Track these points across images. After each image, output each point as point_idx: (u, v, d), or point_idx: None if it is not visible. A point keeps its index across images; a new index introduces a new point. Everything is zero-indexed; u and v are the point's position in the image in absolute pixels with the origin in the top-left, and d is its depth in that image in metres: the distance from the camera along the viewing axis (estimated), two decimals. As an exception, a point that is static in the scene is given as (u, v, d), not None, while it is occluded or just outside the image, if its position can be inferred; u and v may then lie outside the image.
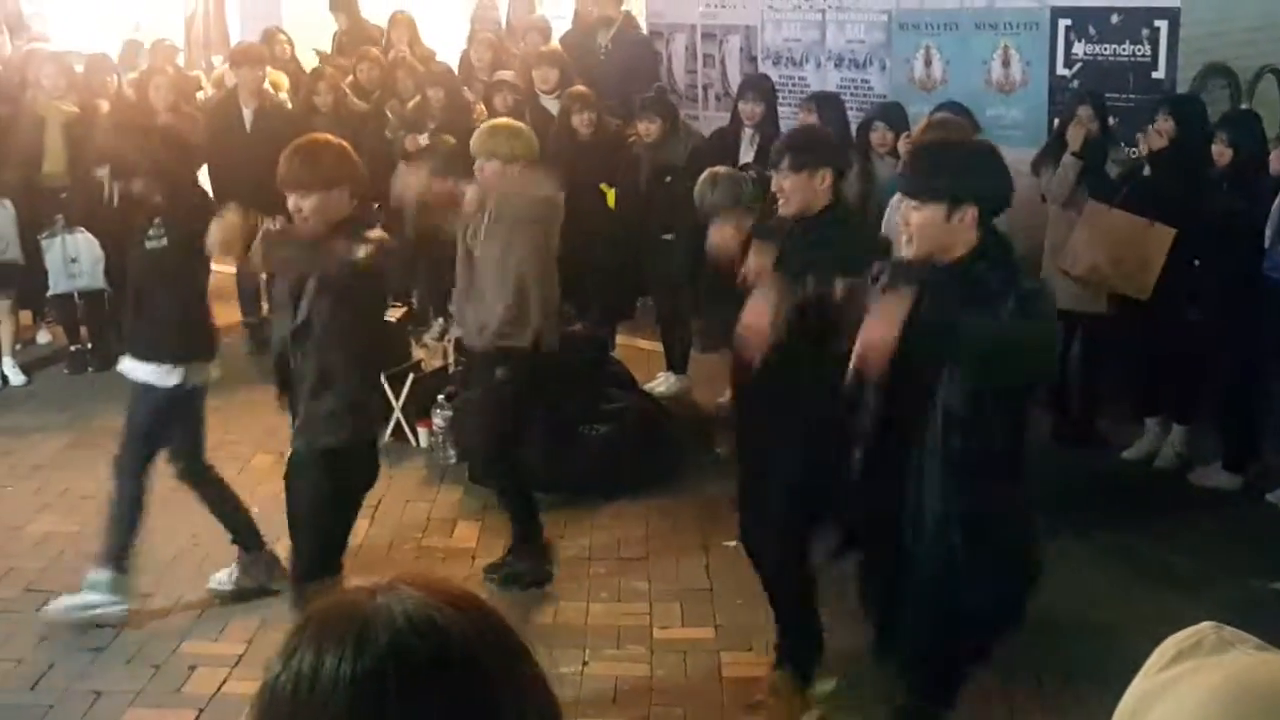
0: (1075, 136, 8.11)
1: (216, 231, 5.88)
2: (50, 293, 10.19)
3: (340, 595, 1.55)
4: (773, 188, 5.55)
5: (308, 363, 5.46)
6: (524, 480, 6.97)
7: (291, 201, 5.41)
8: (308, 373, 5.46)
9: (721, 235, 5.71)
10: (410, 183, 6.36)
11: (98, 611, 6.47)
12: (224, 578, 6.81)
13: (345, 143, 5.72)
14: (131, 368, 6.60)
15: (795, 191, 5.39)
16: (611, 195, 9.59)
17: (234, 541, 6.82)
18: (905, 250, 4.43)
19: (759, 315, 4.83)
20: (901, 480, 4.48)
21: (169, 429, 6.62)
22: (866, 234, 5.95)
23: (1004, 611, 4.66)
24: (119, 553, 6.56)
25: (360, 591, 1.53)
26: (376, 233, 5.51)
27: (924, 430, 4.37)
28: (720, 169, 8.03)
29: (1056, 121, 8.77)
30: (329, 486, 5.58)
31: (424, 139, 10.07)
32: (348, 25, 12.46)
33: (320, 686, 1.44)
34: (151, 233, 6.33)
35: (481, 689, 1.47)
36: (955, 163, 4.58)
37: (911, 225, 4.36)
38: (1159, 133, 7.84)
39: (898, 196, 4.75)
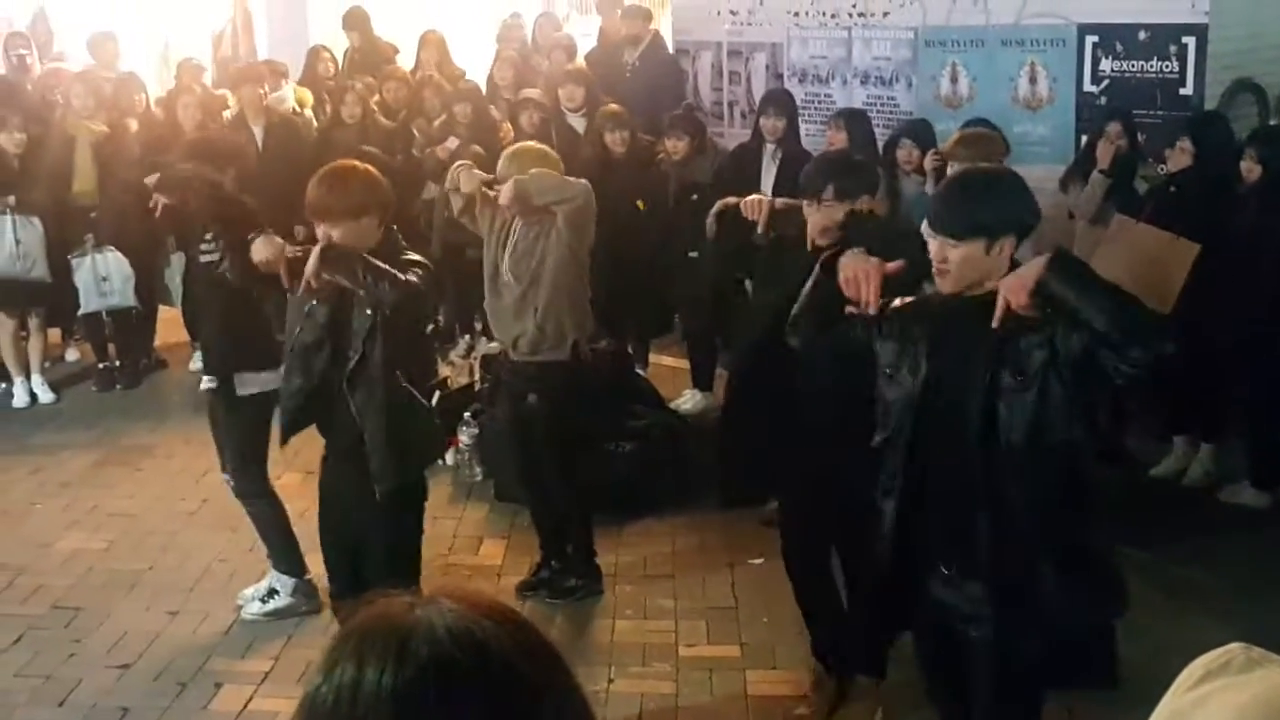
0: (1105, 154, 8.10)
1: (261, 250, 5.83)
2: (81, 311, 10.25)
3: (381, 608, 1.56)
4: (812, 219, 5.44)
5: (366, 397, 5.43)
6: (583, 497, 6.97)
7: (320, 231, 5.37)
8: (369, 410, 5.43)
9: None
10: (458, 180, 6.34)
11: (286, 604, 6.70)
12: (250, 594, 6.83)
13: (372, 167, 5.69)
14: (205, 381, 6.62)
15: (835, 222, 5.34)
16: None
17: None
18: (941, 282, 4.21)
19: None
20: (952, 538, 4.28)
21: (257, 435, 6.63)
22: (904, 232, 5.83)
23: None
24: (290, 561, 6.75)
25: (400, 605, 1.55)
26: (414, 256, 5.49)
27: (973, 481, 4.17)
28: None
29: (1084, 139, 8.74)
30: (414, 517, 5.68)
31: (446, 148, 10.08)
32: (360, 43, 12.47)
33: (362, 698, 1.46)
34: (205, 246, 6.33)
35: (520, 700, 1.48)
36: (990, 194, 4.42)
37: (950, 262, 4.17)
38: (1181, 151, 7.82)
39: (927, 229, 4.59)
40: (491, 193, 6.36)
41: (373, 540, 5.74)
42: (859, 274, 4.29)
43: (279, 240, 5.79)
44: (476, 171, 6.41)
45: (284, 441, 5.89)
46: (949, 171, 7.09)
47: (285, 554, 6.75)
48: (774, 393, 5.61)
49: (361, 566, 5.82)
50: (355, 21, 12.55)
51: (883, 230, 5.51)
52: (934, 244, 4.21)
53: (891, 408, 4.31)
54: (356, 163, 5.75)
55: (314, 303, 5.48)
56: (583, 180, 6.63)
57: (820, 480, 5.38)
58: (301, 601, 6.72)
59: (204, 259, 6.35)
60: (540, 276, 6.43)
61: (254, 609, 6.73)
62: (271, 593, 6.74)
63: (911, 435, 4.25)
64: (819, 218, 5.40)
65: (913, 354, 4.26)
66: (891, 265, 4.31)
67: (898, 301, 4.38)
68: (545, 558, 6.96)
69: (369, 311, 5.33)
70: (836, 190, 5.35)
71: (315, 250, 5.30)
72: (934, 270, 4.23)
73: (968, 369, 4.13)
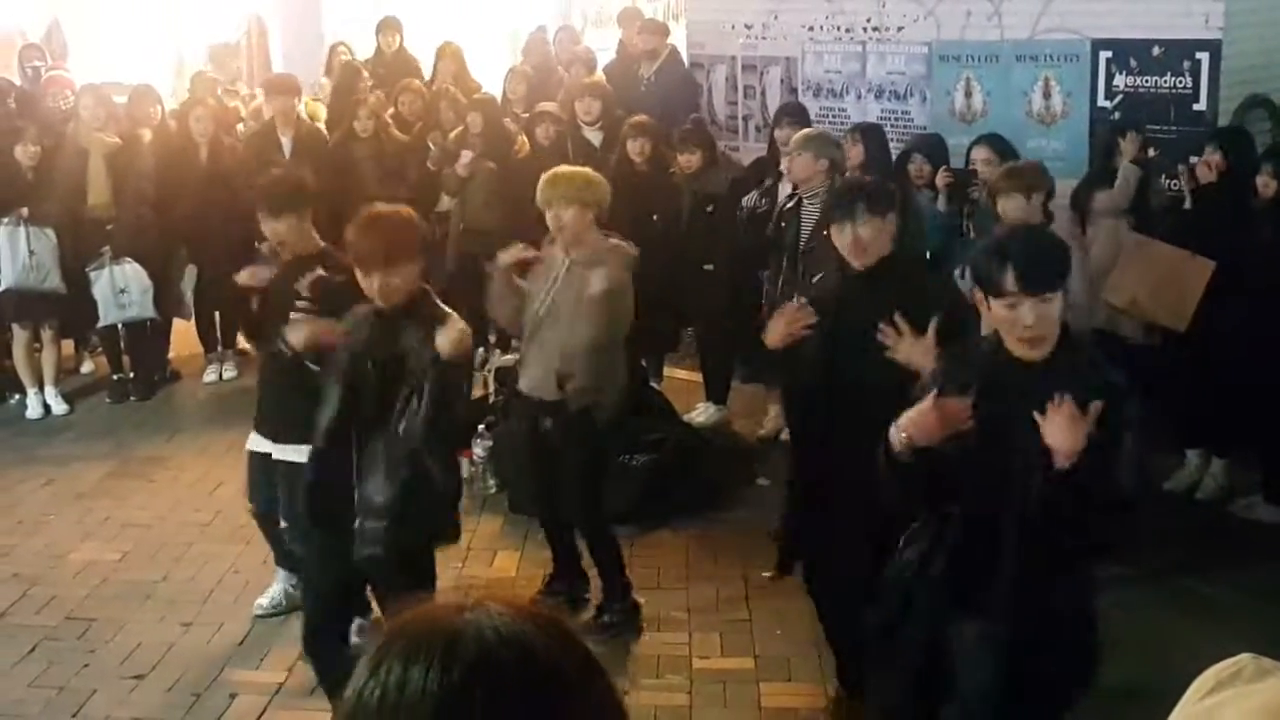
0: (1129, 148, 8.11)
1: (296, 334, 5.69)
2: (100, 324, 10.28)
3: (428, 609, 1.57)
4: (841, 242, 5.40)
5: (400, 450, 5.22)
6: (611, 529, 6.91)
7: (366, 278, 5.22)
8: (401, 458, 5.22)
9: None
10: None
11: None
12: (266, 603, 6.85)
13: (408, 209, 5.62)
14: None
15: (874, 240, 5.33)
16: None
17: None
18: (1037, 351, 4.16)
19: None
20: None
21: None
22: (936, 285, 5.78)
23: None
24: None
25: (448, 607, 1.56)
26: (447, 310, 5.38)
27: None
28: None
29: (1109, 144, 8.68)
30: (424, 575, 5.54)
31: (464, 164, 10.09)
32: (394, 49, 12.43)
33: (408, 696, 1.47)
34: (300, 303, 5.99)
35: (564, 704, 1.50)
36: (1058, 245, 4.47)
37: (1044, 321, 4.11)
38: (1208, 165, 7.79)
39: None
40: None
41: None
42: (934, 424, 4.15)
43: (312, 328, 5.66)
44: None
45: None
46: (1000, 205, 7.04)
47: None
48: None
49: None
50: (391, 27, 12.54)
51: (892, 273, 5.46)
52: (1027, 310, 4.10)
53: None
54: (396, 208, 5.62)
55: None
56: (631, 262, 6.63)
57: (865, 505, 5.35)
58: None
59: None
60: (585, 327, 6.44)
61: (265, 602, 6.82)
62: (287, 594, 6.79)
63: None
64: (855, 237, 5.36)
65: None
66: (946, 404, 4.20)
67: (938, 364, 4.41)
68: (558, 570, 6.96)
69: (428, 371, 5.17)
70: (869, 207, 5.33)
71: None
72: (1018, 340, 4.17)
73: (1015, 428, 4.09)
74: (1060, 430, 3.91)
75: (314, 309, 5.82)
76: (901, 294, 5.10)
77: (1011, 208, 6.92)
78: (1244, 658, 1.56)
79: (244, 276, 6.45)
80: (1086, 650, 4.41)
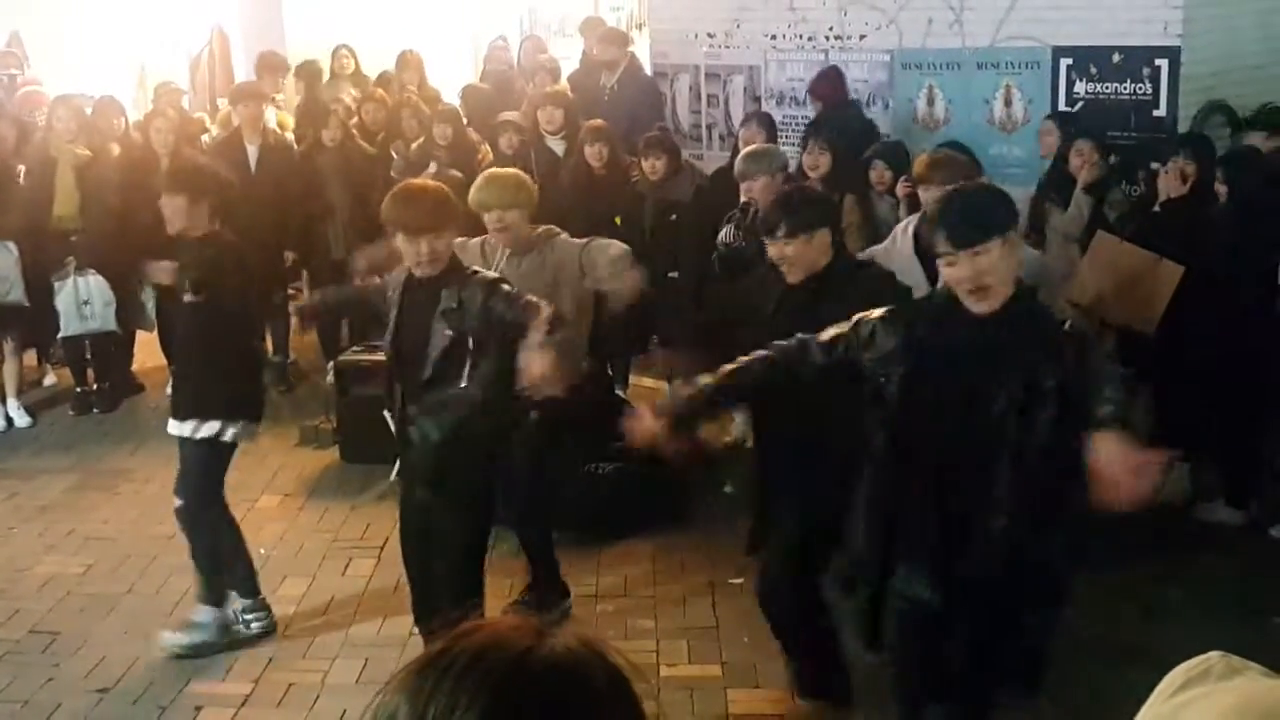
0: (1084, 173, 8.17)
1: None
2: (61, 335, 10.22)
3: (491, 632, 1.48)
4: (771, 255, 5.51)
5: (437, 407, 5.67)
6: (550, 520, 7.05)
7: (414, 244, 5.55)
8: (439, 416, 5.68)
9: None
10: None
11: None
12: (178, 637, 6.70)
13: (445, 187, 5.91)
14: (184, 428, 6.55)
15: (799, 257, 5.40)
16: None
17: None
18: (984, 305, 4.25)
19: None
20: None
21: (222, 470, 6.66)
22: (880, 279, 5.84)
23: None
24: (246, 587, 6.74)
25: (513, 632, 1.47)
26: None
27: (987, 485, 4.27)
28: None
29: (1058, 161, 8.76)
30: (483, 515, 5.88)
31: (429, 175, 10.07)
32: (305, 97, 12.22)
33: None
34: (188, 285, 6.35)
35: None
36: (986, 194, 4.56)
37: (986, 274, 4.21)
38: (1181, 174, 7.81)
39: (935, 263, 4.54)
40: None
41: (445, 542, 5.83)
42: None
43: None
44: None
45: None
46: (923, 194, 7.10)
47: (244, 578, 6.73)
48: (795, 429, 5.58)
49: (433, 567, 5.92)
50: (306, 73, 12.38)
51: (855, 278, 5.51)
52: (963, 265, 4.23)
53: (890, 412, 4.38)
54: (434, 183, 6.06)
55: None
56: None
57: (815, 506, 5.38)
58: (220, 635, 6.64)
59: (188, 297, 6.37)
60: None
61: (177, 640, 6.62)
62: (195, 626, 6.63)
63: (908, 443, 4.32)
64: (781, 253, 5.44)
65: (913, 359, 4.33)
66: None
67: (879, 312, 4.45)
68: (534, 580, 6.95)
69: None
70: (789, 228, 5.38)
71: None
72: (967, 295, 4.27)
73: (978, 383, 4.20)
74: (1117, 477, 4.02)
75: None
76: (844, 301, 5.02)
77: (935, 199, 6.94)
78: (1213, 655, 1.57)
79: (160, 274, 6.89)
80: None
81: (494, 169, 7.21)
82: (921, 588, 4.43)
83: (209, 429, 6.37)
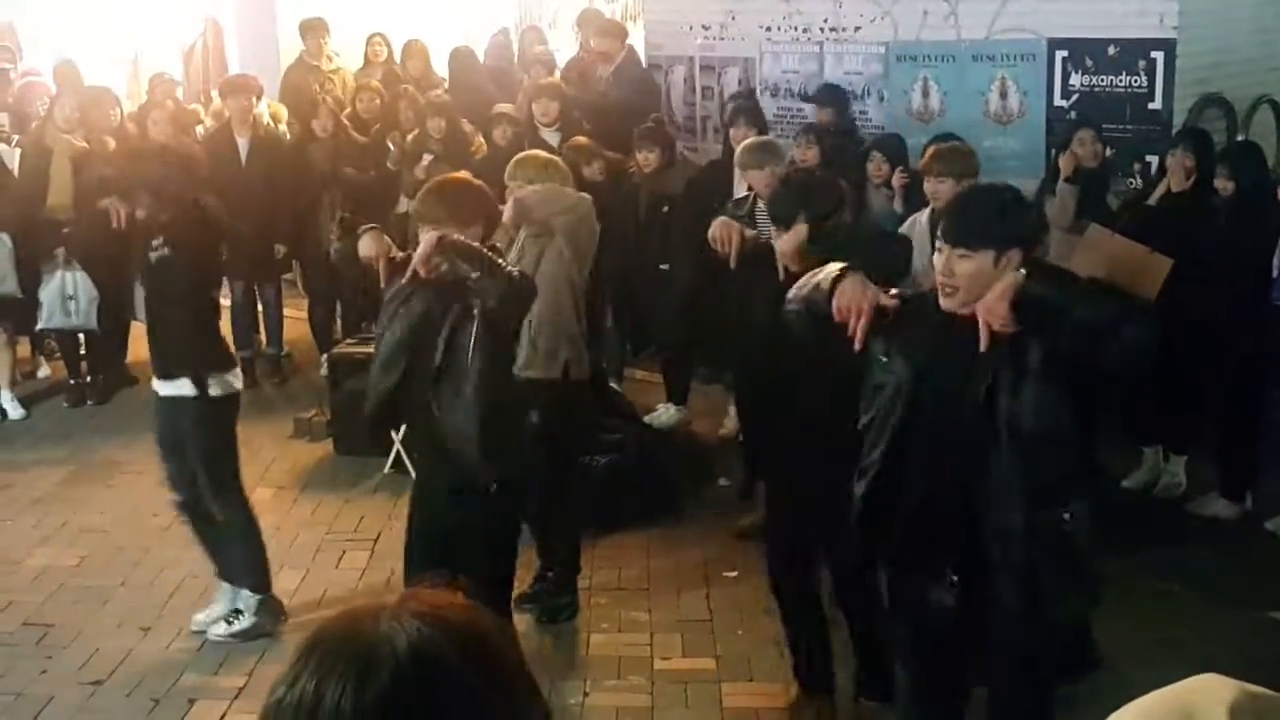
0: (1066, 163, 8.16)
1: (368, 246, 5.69)
2: (40, 325, 10.18)
3: (347, 621, 1.57)
4: (779, 244, 5.45)
5: (453, 395, 5.36)
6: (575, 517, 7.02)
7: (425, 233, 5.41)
8: (457, 408, 5.36)
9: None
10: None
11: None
12: (204, 618, 6.78)
13: (481, 182, 5.75)
14: (157, 385, 6.59)
15: (787, 251, 5.38)
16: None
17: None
18: (947, 301, 4.21)
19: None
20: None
21: (231, 443, 6.66)
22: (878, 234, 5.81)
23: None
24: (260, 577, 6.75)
25: (367, 618, 1.56)
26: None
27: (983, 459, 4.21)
28: None
29: (1055, 153, 8.78)
30: (512, 513, 5.69)
31: (423, 167, 10.05)
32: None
33: (321, 717, 1.49)
34: (155, 243, 6.37)
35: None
36: (1000, 206, 4.43)
37: (959, 276, 4.16)
38: (1183, 169, 7.79)
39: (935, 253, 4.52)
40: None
41: (469, 536, 5.65)
42: (854, 307, 4.25)
43: (387, 239, 5.72)
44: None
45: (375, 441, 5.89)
46: (928, 186, 7.09)
47: (256, 570, 6.70)
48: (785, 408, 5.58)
49: (454, 562, 5.77)
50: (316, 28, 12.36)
51: (853, 237, 5.53)
52: (940, 258, 4.22)
53: (879, 391, 4.35)
54: (466, 176, 5.86)
55: (409, 299, 5.45)
56: (584, 194, 6.66)
57: (810, 489, 5.38)
58: (267, 620, 6.68)
59: (153, 256, 6.37)
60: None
61: (220, 630, 6.66)
62: (236, 613, 6.68)
63: (899, 422, 4.29)
64: (784, 244, 5.41)
65: (911, 343, 4.30)
66: (888, 300, 4.30)
67: (893, 293, 4.40)
68: (543, 569, 6.93)
69: (469, 307, 5.31)
70: (805, 215, 5.35)
71: (430, 237, 5.23)
72: (939, 287, 4.24)
73: (964, 366, 4.17)
74: (986, 309, 4.05)
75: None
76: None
77: (942, 191, 6.92)
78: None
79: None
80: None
81: (530, 152, 7.23)
82: (935, 591, 4.36)
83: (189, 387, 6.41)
